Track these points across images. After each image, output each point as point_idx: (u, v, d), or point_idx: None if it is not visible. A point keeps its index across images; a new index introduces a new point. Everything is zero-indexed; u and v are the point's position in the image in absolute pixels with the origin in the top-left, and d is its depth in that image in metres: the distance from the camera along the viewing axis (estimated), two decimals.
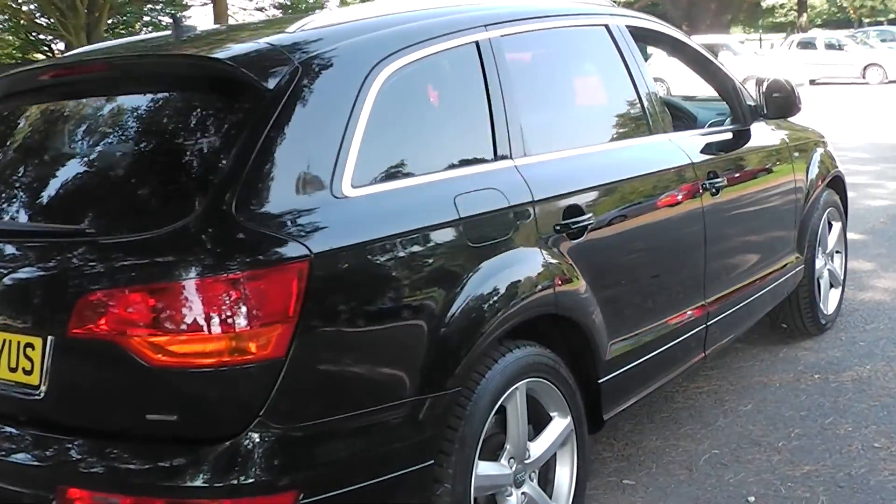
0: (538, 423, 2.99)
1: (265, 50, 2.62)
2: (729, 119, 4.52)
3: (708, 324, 3.87)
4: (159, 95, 2.75)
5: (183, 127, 2.62)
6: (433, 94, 2.92)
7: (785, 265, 4.60)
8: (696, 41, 4.67)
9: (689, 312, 3.75)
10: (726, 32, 34.95)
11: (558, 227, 2.99)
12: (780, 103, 4.40)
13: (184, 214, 2.32)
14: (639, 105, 3.68)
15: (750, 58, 26.62)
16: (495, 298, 2.70)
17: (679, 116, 4.71)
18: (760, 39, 41.94)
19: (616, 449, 3.93)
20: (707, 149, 4.01)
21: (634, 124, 3.71)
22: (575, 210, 3.07)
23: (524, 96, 3.15)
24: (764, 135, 4.53)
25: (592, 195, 3.20)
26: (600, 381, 3.20)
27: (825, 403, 4.25)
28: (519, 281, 2.81)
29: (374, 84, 2.63)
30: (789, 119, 4.85)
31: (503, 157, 2.95)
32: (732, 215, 4.08)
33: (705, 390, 4.52)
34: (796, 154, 4.73)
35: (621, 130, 3.64)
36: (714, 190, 3.83)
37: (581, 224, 3.06)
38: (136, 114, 2.78)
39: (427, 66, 2.85)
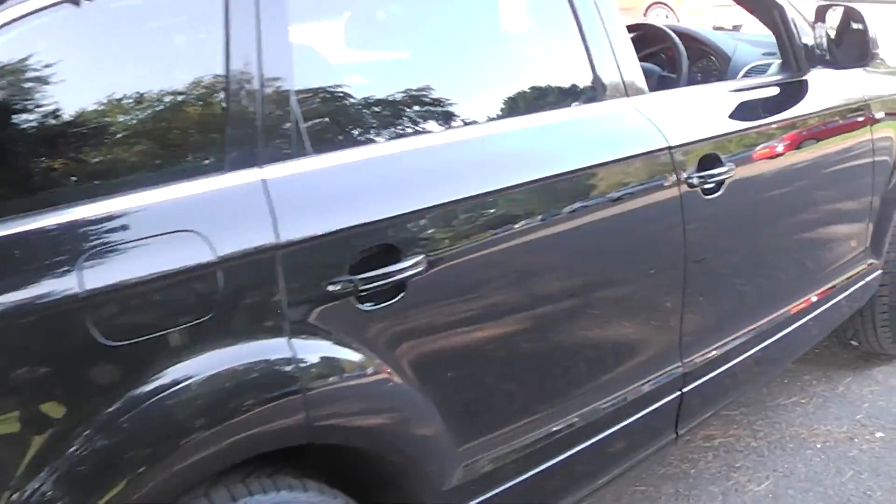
0: None
1: None
2: (778, 64, 3.08)
3: (684, 390, 2.53)
4: None
5: None
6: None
7: (845, 280, 3.17)
8: None
9: (648, 381, 2.42)
10: None
11: (333, 291, 1.72)
12: (855, 44, 2.94)
13: None
14: (581, 49, 2.27)
15: None
16: (144, 451, 1.49)
17: (706, 55, 3.28)
18: None
19: None
20: (710, 118, 2.62)
21: (562, 85, 2.30)
22: (379, 257, 1.78)
23: (308, 54, 1.87)
24: (826, 88, 3.05)
25: (419, 225, 1.86)
26: None
27: (875, 492, 2.89)
28: (216, 400, 1.57)
29: None
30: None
31: (238, 166, 1.67)
32: (747, 221, 2.67)
33: (715, 445, 3.23)
34: (881, 114, 3.22)
35: (527, 98, 2.22)
36: (710, 185, 2.45)
37: (387, 280, 1.78)
38: None
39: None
